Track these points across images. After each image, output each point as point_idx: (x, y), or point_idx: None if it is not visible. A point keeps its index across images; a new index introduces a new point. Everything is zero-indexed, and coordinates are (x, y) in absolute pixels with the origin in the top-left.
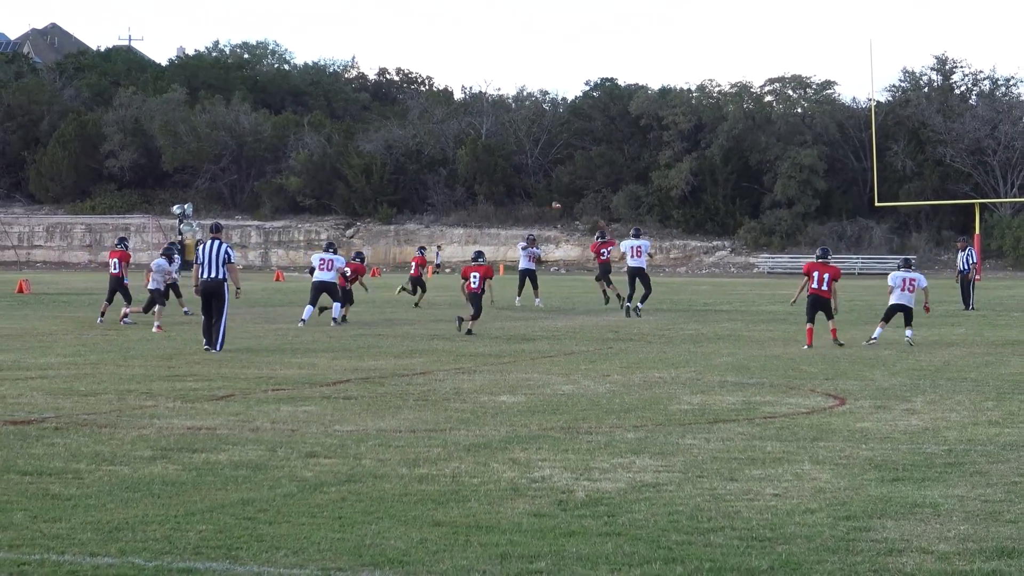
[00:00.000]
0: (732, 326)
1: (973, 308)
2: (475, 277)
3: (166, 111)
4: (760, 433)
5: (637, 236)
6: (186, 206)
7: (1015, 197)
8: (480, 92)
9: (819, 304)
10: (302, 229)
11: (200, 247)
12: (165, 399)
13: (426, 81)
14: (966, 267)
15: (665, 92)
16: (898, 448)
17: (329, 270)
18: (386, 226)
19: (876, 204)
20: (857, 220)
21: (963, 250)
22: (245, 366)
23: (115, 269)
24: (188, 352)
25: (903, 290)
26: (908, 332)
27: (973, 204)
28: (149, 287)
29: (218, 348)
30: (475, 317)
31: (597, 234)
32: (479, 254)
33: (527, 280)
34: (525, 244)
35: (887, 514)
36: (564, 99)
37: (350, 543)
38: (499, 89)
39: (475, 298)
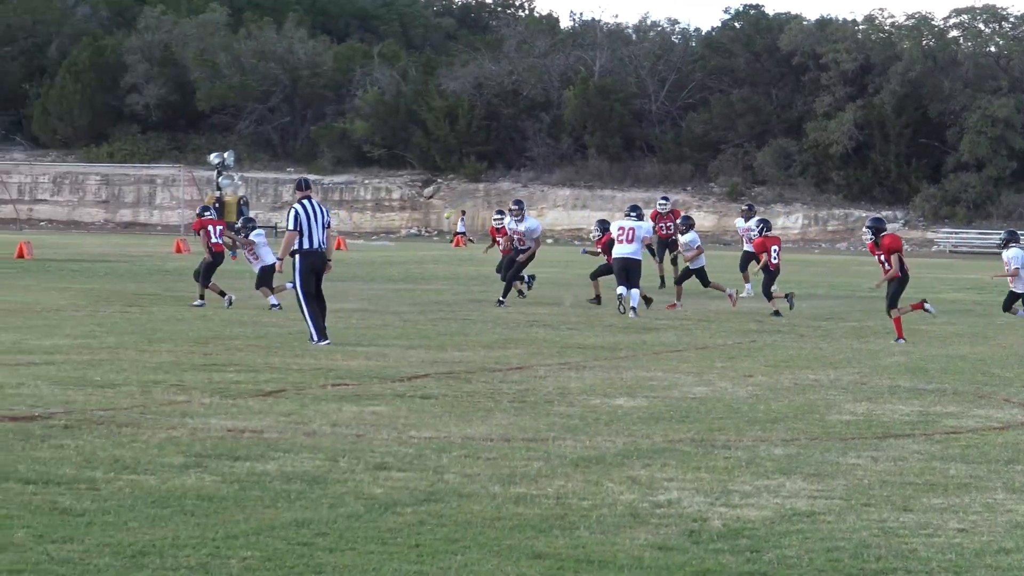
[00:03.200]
0: (905, 317)
1: None
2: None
3: (202, 36)
4: (941, 452)
5: (639, 217)
6: (226, 155)
7: None
8: (593, 20)
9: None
10: (369, 186)
11: (296, 210)
12: (200, 393)
13: (525, 5)
14: None
15: (824, 24)
16: None
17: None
18: (474, 184)
19: None
20: None
21: None
22: (298, 355)
23: (215, 238)
24: (228, 336)
25: None
26: None
27: None
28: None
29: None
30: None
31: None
32: (605, 224)
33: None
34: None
35: None
36: (698, 30)
37: None
38: (616, 16)
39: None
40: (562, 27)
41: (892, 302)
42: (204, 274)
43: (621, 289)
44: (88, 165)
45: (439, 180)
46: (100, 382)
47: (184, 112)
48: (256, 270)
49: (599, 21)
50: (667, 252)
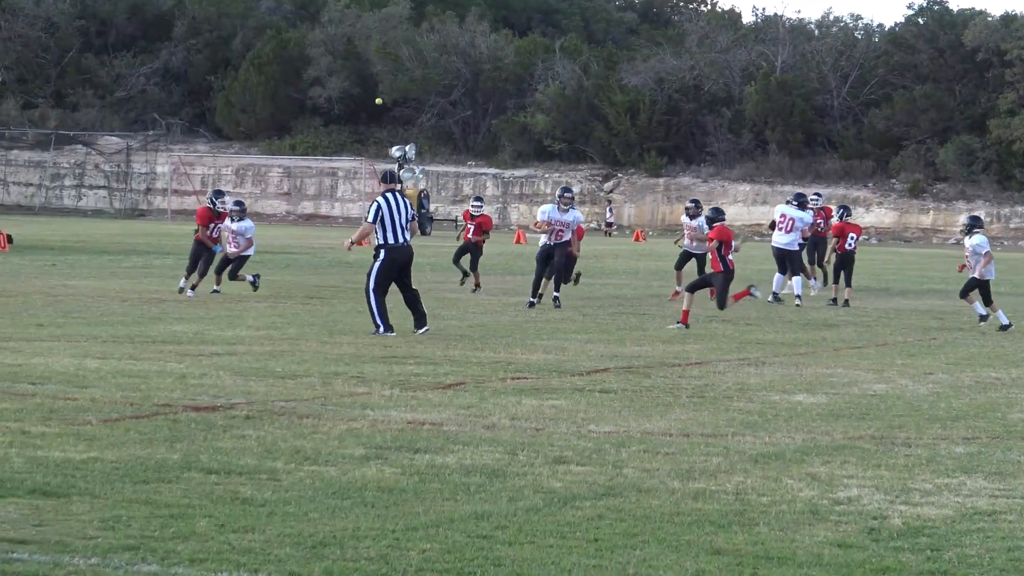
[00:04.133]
0: None
1: None
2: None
3: (385, 30)
4: None
5: (800, 206)
6: (408, 147)
7: None
8: (775, 15)
9: None
10: (549, 180)
11: (379, 203)
12: (380, 385)
13: (708, 0)
14: None
15: (1009, 20)
16: None
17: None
18: (654, 179)
19: None
20: None
21: None
22: (478, 348)
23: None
24: (407, 329)
25: None
26: None
27: None
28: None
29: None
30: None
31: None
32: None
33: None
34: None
35: None
36: (880, 26)
37: (609, 571)
38: (799, 12)
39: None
40: (744, 22)
41: None
42: (220, 266)
43: (778, 277)
44: (270, 157)
45: (619, 175)
46: (281, 373)
47: (366, 105)
48: (228, 253)
49: (781, 16)
50: (816, 251)
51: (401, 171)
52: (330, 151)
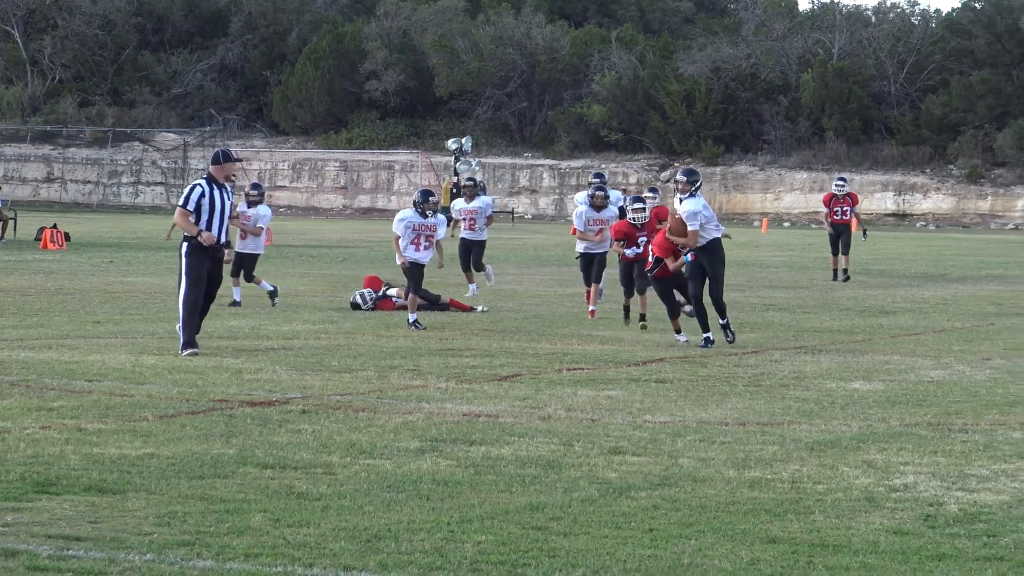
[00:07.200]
0: None
1: None
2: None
3: (441, 22)
4: None
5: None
6: (464, 140)
7: None
8: (831, 2)
9: None
10: (606, 170)
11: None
12: (436, 378)
13: None
14: None
15: None
16: None
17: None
18: (711, 168)
19: None
20: None
21: None
22: (534, 339)
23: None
24: (463, 321)
25: None
26: None
27: None
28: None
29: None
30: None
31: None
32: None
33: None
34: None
35: None
36: (938, 12)
37: (664, 561)
38: None
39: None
40: (800, 10)
41: None
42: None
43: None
44: (327, 151)
45: (676, 164)
46: (337, 367)
47: (422, 98)
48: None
49: (838, 3)
50: (839, 241)
51: (457, 163)
52: (386, 144)
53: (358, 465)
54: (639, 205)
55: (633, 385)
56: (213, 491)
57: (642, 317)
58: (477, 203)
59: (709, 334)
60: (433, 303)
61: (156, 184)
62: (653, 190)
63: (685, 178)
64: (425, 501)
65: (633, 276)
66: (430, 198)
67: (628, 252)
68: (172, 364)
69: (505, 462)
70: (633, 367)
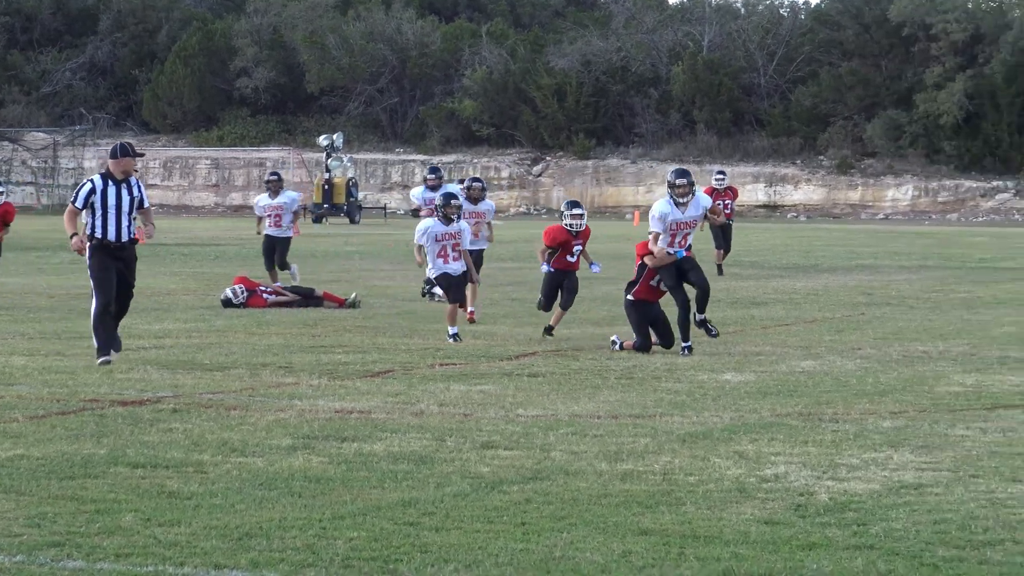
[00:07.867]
0: (1016, 288)
1: None
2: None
3: (311, 18)
4: None
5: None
6: (335, 136)
7: None
8: None
9: None
10: (478, 165)
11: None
12: (308, 375)
13: None
14: None
15: None
16: None
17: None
18: (582, 161)
19: None
20: None
21: None
22: (406, 335)
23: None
24: (335, 317)
25: None
26: None
27: None
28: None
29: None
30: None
31: None
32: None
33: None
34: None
35: None
36: (806, 3)
37: (536, 555)
38: None
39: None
40: (670, 2)
41: None
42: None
43: None
44: (198, 149)
45: (548, 158)
46: (209, 365)
47: (293, 95)
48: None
49: None
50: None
51: (329, 160)
52: (258, 141)
53: (230, 463)
54: (578, 211)
55: (506, 380)
56: (84, 491)
57: (550, 329)
58: (483, 206)
59: (690, 343)
60: (306, 297)
61: (26, 184)
62: (722, 172)
63: (685, 179)
64: (297, 498)
65: (561, 288)
66: (452, 201)
67: (571, 259)
68: (42, 364)
69: (377, 458)
70: (505, 362)
